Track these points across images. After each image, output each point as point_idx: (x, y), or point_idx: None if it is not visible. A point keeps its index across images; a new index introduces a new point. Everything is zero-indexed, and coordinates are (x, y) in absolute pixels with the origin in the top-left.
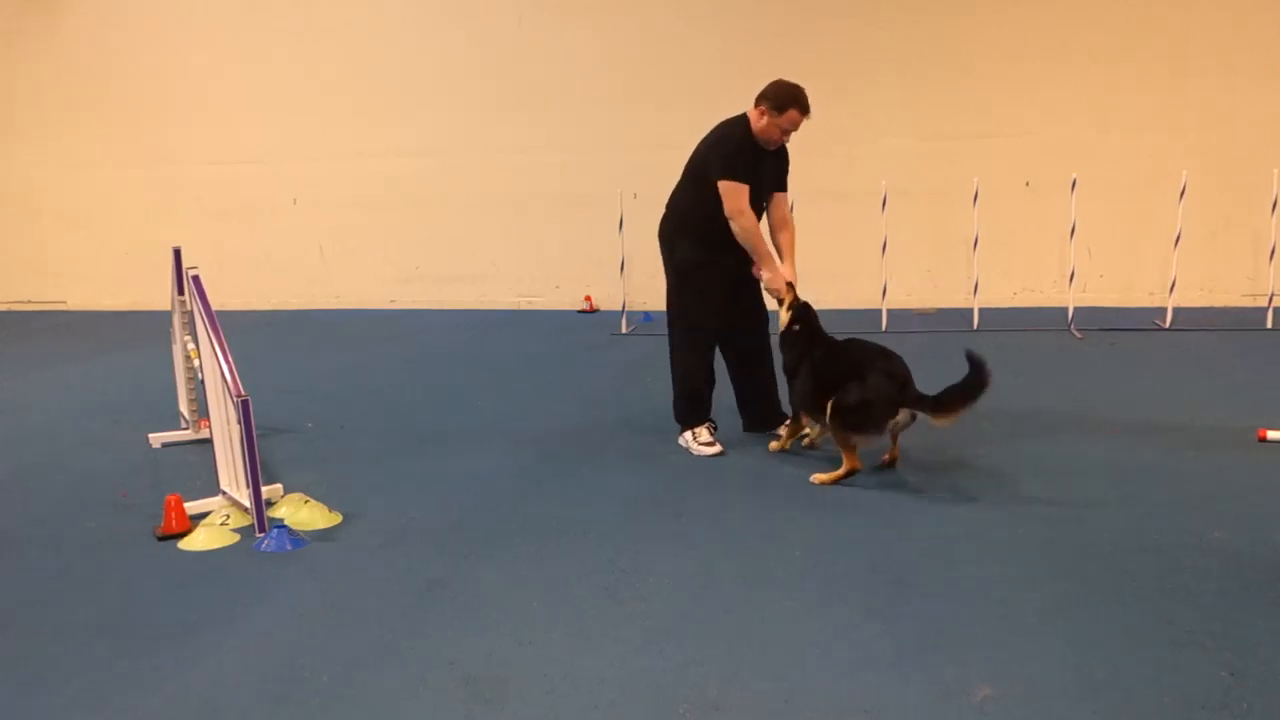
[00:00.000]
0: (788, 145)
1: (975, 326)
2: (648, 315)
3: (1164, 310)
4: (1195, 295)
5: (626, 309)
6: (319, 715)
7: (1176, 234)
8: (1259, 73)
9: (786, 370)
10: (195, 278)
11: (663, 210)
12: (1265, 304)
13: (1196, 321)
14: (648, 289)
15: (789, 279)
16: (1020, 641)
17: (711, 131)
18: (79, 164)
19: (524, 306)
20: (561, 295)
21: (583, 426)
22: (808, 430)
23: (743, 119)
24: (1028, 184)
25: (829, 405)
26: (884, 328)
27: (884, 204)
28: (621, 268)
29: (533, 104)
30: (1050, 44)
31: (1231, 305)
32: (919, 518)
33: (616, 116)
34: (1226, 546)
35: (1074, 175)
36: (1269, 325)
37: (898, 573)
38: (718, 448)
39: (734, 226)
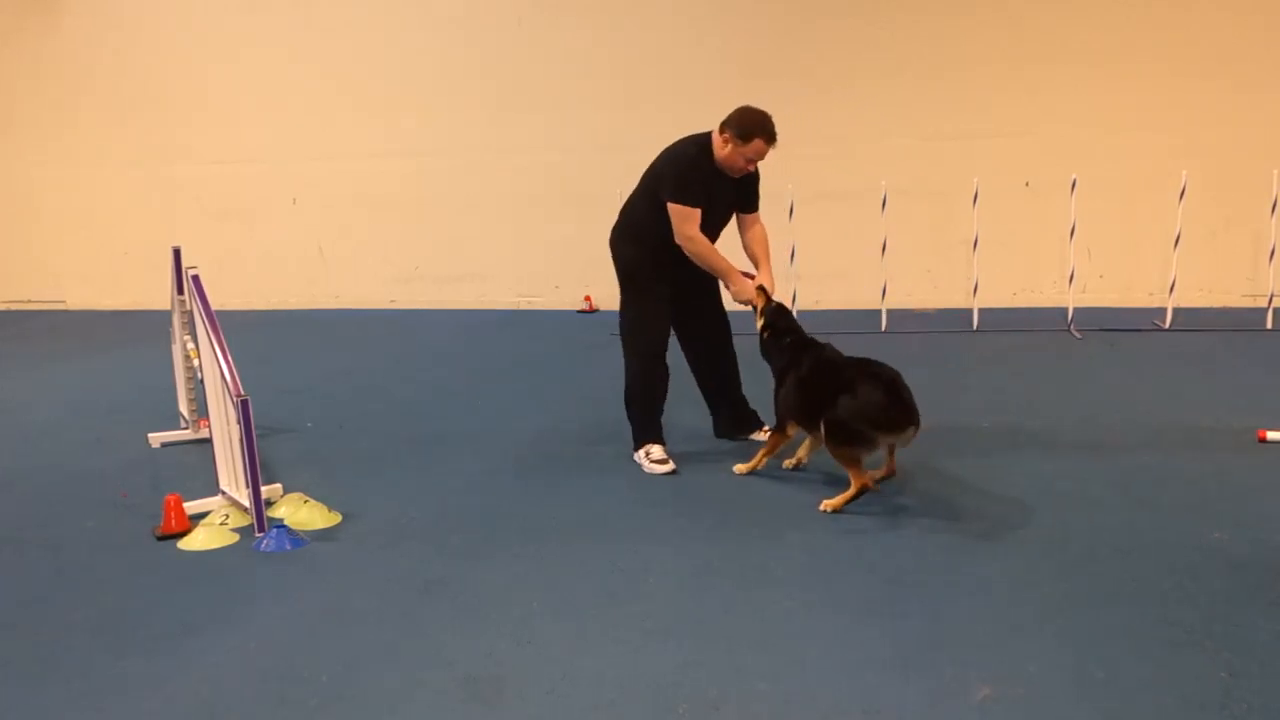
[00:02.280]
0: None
1: (975, 327)
2: None
3: (1164, 310)
4: (1195, 295)
5: None
6: (319, 715)
7: (1176, 234)
8: (1259, 73)
9: (776, 377)
10: (195, 277)
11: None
12: (1265, 304)
13: (1196, 322)
14: None
15: (763, 284)
16: (1020, 641)
17: (671, 147)
18: (79, 164)
19: (524, 306)
20: (561, 295)
21: (583, 426)
22: (798, 455)
23: (704, 139)
24: (1028, 184)
25: (823, 422)
26: (884, 328)
27: (884, 204)
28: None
29: (533, 104)
30: (1050, 44)
31: (1231, 305)
32: (918, 518)
33: (616, 117)
34: (1226, 547)
35: (1074, 175)
36: (1269, 325)
37: (897, 573)
38: (670, 465)
39: (687, 252)
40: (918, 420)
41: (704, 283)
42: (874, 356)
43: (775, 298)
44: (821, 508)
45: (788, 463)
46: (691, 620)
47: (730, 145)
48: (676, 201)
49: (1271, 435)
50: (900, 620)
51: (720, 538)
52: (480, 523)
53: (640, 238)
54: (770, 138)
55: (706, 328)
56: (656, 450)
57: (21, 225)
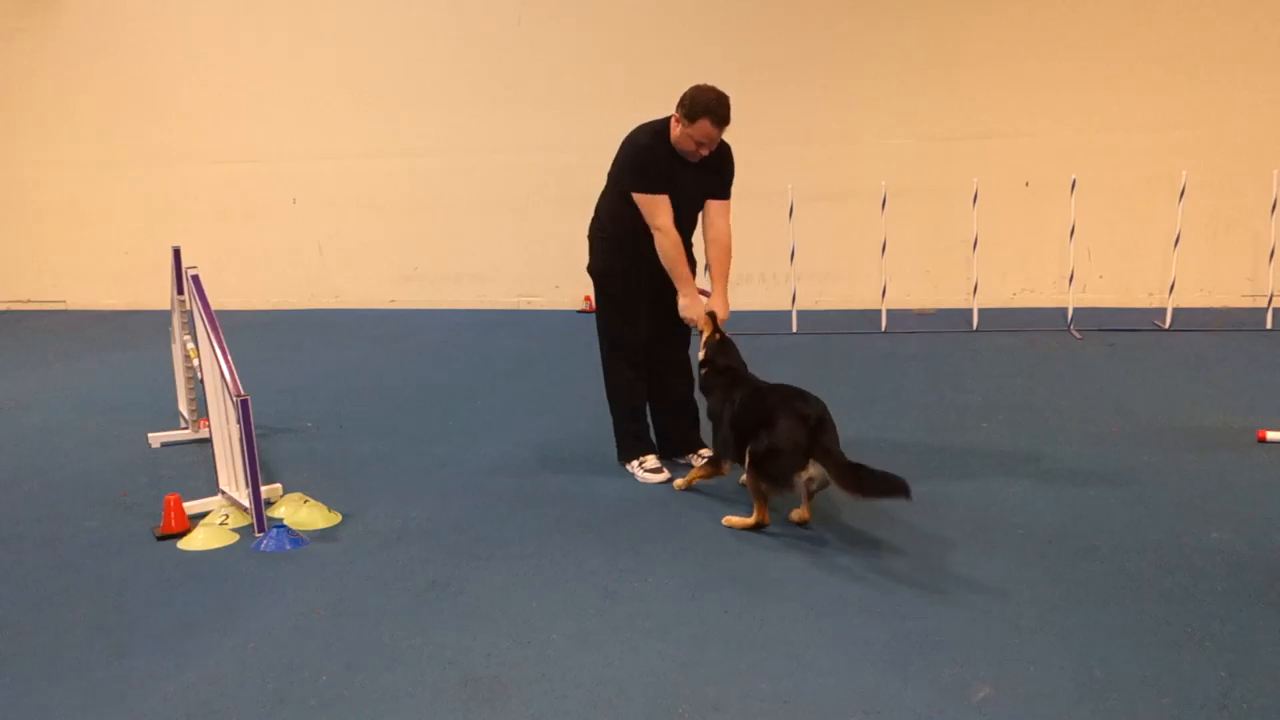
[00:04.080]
0: (730, 149)
1: (975, 327)
2: None
3: (1163, 311)
4: (1195, 296)
5: None
6: (319, 715)
7: (1176, 234)
8: (1258, 73)
9: (710, 416)
10: (195, 277)
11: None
12: (1265, 304)
13: (1196, 322)
14: None
15: (715, 309)
16: (1020, 641)
17: (629, 134)
18: (79, 164)
19: (524, 306)
20: (561, 295)
21: (583, 426)
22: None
23: (661, 123)
24: (1027, 184)
25: (747, 453)
26: (884, 328)
27: (884, 204)
28: None
29: (533, 103)
30: (1050, 44)
31: (1231, 306)
32: (918, 518)
33: (616, 116)
34: (1226, 546)
35: (1073, 176)
36: (1269, 326)
37: (897, 573)
38: (664, 475)
39: (656, 244)
40: (820, 456)
41: (670, 285)
42: (873, 357)
43: (726, 328)
44: (724, 521)
45: (795, 514)
46: (691, 620)
47: (680, 126)
48: (639, 190)
49: (1271, 435)
50: (900, 620)
51: (719, 538)
52: (480, 523)
53: (606, 235)
54: (718, 119)
55: (665, 329)
56: (650, 460)
57: (21, 225)
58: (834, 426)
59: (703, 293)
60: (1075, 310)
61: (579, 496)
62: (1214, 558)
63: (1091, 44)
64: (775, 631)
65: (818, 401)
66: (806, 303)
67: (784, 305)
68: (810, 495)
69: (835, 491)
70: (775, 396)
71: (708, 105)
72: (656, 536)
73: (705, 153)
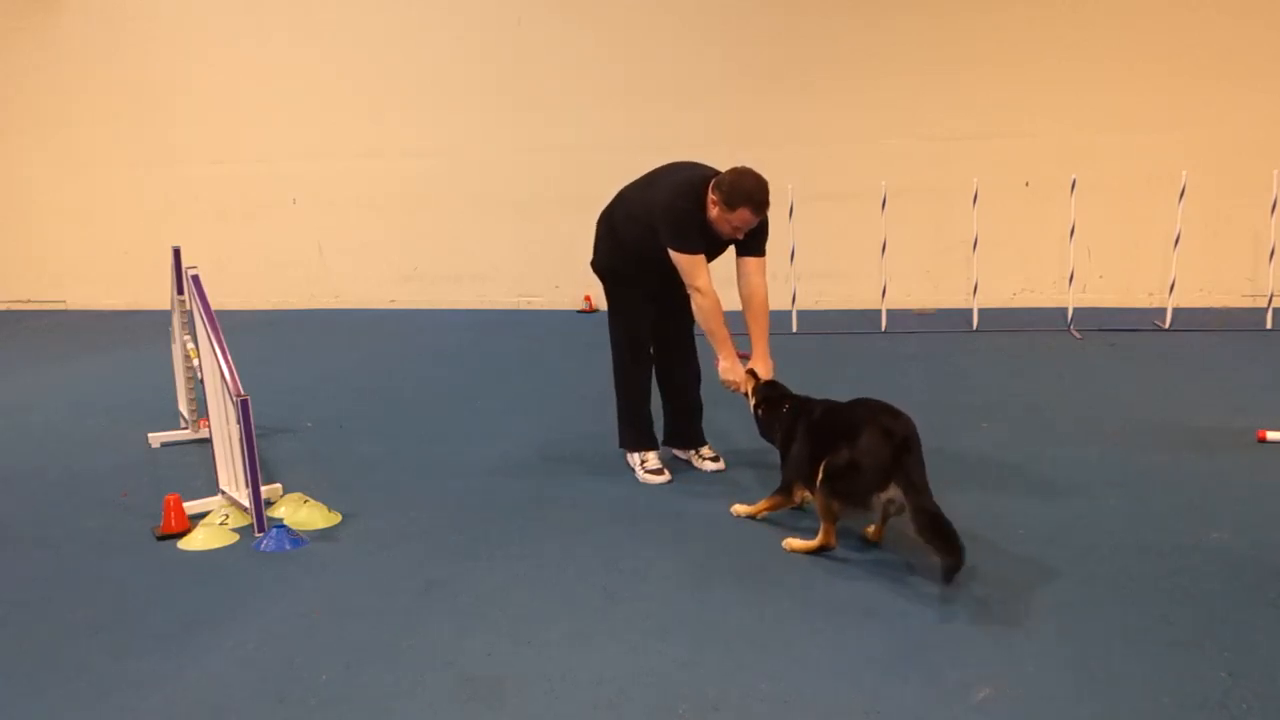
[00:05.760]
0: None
1: (975, 327)
2: None
3: (1163, 311)
4: (1195, 296)
5: None
6: (318, 715)
7: (1176, 234)
8: (1258, 73)
9: (782, 449)
10: (195, 277)
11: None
12: (1265, 304)
13: (1196, 322)
14: None
15: (756, 368)
16: (1020, 641)
17: (664, 187)
18: (79, 163)
19: (523, 306)
20: (561, 295)
21: (583, 426)
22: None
23: (698, 186)
24: (1027, 184)
25: (821, 468)
26: (884, 328)
27: (884, 204)
28: None
29: (533, 104)
30: (1050, 44)
31: (1231, 306)
32: None
33: (616, 116)
34: (1226, 546)
35: (1074, 175)
36: (1269, 325)
37: (897, 573)
38: (665, 476)
39: (694, 304)
40: (902, 481)
41: (678, 296)
42: (873, 357)
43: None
44: (785, 545)
45: (869, 530)
46: (691, 620)
47: (717, 208)
48: (679, 250)
49: (1271, 435)
50: (900, 620)
51: (720, 538)
52: (480, 523)
53: (626, 255)
54: (757, 207)
55: (670, 333)
56: (651, 459)
57: (21, 225)
58: (920, 449)
59: (743, 356)
60: (1075, 310)
61: (579, 497)
62: (1214, 558)
63: (1091, 44)
64: (775, 631)
65: (907, 420)
66: (806, 303)
67: (784, 305)
68: (887, 517)
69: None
70: (862, 409)
71: (748, 194)
72: (656, 537)
73: (740, 236)
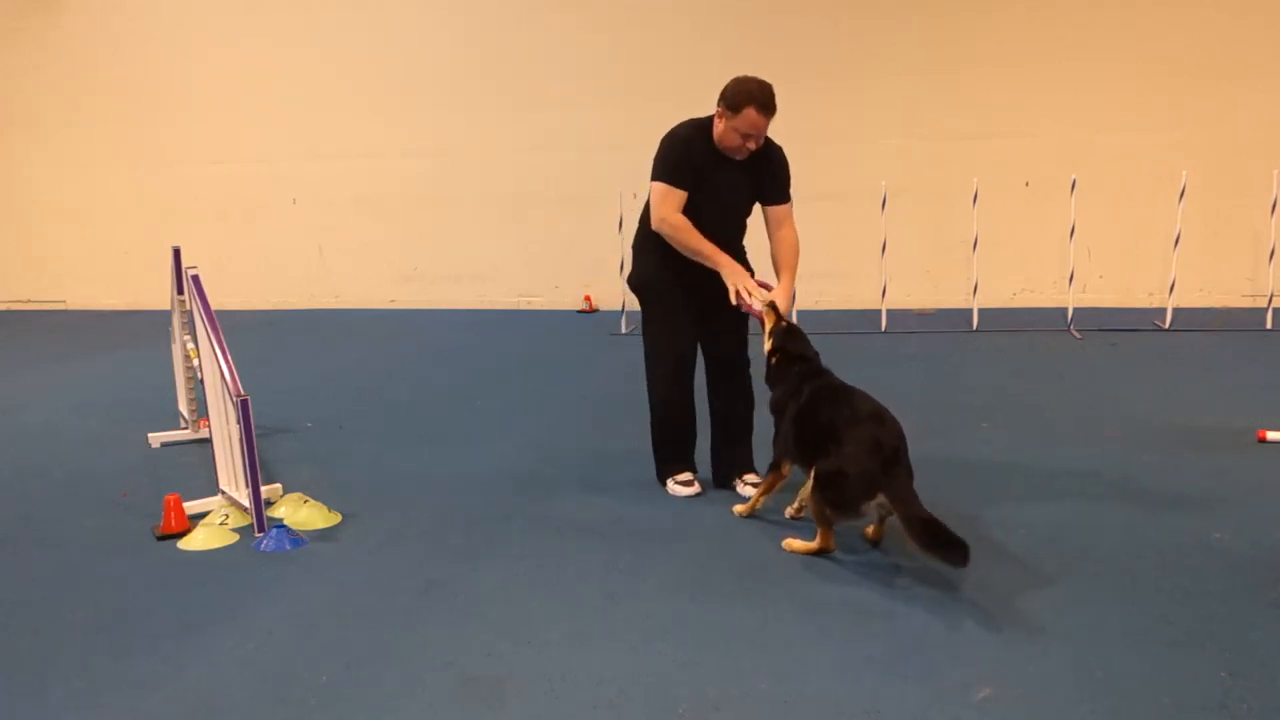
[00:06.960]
0: (782, 150)
1: (975, 327)
2: None
3: (1163, 311)
4: (1195, 296)
5: (626, 309)
6: (318, 715)
7: (1176, 234)
8: (1258, 73)
9: (774, 409)
10: (195, 277)
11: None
12: (1265, 304)
13: (1196, 322)
14: None
15: (776, 299)
16: (1020, 641)
17: (671, 128)
18: (79, 163)
19: (523, 306)
20: (561, 295)
21: (582, 426)
22: (800, 500)
23: (705, 120)
24: (1027, 184)
25: (813, 472)
26: (883, 328)
27: (884, 204)
28: (621, 268)
29: (533, 104)
30: (1050, 44)
31: (1231, 306)
32: None
33: (617, 116)
34: (1226, 546)
35: (1074, 175)
36: (1269, 325)
37: (897, 573)
38: (696, 488)
39: (665, 238)
40: (890, 491)
41: (720, 297)
42: (873, 357)
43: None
44: (784, 545)
45: (789, 510)
46: (691, 620)
47: (723, 120)
48: (659, 179)
49: (1271, 435)
50: (900, 620)
51: (719, 538)
52: (480, 523)
53: (651, 243)
54: (763, 106)
55: (718, 339)
56: (683, 474)
57: (21, 225)
58: (908, 455)
59: (762, 284)
60: (1075, 310)
61: (579, 497)
62: (1214, 558)
63: (1091, 44)
64: (775, 631)
65: (895, 426)
66: (806, 303)
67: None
68: (884, 518)
69: None
70: (849, 410)
71: (750, 92)
72: (656, 536)
73: (753, 146)
